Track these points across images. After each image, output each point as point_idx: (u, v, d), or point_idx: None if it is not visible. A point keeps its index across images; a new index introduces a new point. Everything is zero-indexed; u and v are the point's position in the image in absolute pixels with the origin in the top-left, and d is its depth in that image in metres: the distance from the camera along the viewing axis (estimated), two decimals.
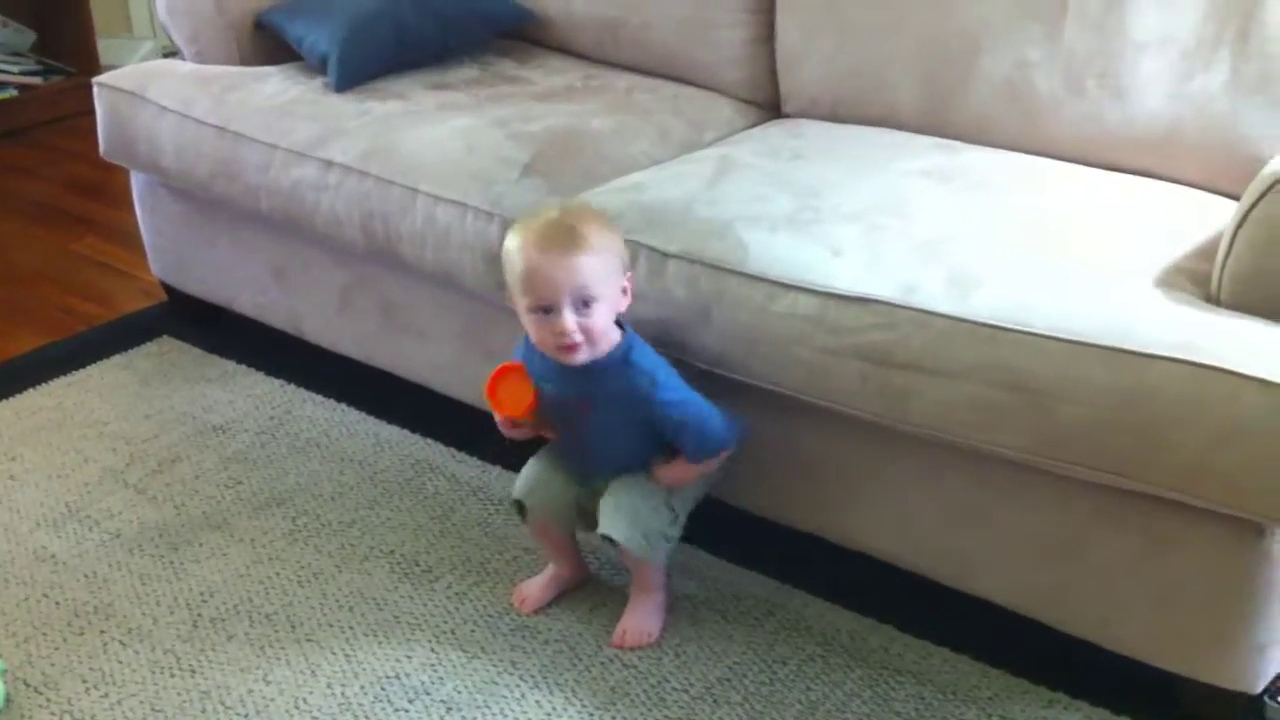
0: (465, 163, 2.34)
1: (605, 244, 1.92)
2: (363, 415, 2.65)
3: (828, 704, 1.96)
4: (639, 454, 2.04)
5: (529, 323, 1.93)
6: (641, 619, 2.09)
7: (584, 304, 1.89)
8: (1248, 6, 2.15)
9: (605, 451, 2.04)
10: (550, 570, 2.18)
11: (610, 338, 1.94)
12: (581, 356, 1.92)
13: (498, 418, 2.05)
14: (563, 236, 1.89)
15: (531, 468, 2.11)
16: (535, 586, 2.16)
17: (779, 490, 2.15)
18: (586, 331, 1.90)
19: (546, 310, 1.89)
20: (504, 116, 2.49)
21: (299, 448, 2.56)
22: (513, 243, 1.93)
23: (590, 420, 2.01)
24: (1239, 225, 1.80)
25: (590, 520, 2.07)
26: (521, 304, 1.93)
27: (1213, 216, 2.06)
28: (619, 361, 1.95)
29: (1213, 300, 1.84)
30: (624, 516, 2.01)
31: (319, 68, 2.69)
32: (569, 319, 1.88)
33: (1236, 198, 1.93)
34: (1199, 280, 1.89)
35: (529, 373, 1.98)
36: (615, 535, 2.00)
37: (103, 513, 2.38)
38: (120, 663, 2.05)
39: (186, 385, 2.77)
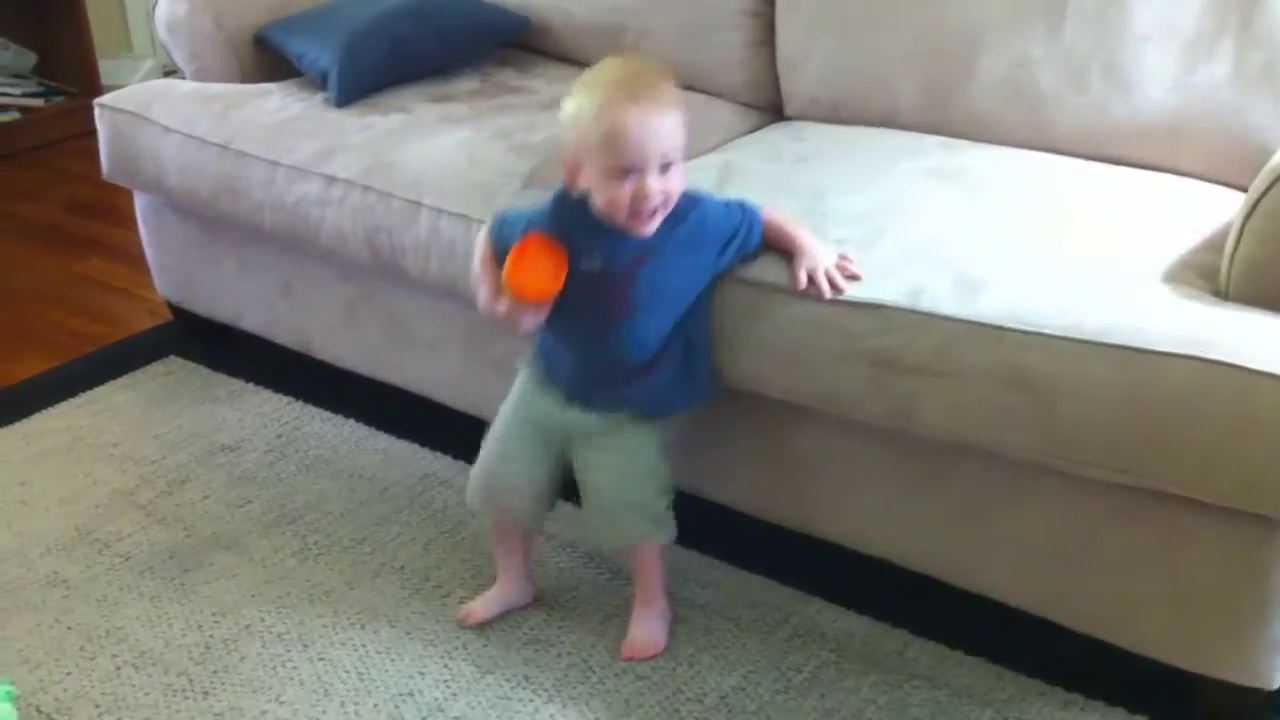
0: (468, 174, 2.34)
1: (679, 100, 1.81)
2: (371, 430, 2.64)
3: (843, 711, 1.95)
4: (666, 329, 1.92)
5: (602, 186, 1.80)
6: (647, 630, 2.07)
7: (664, 167, 1.79)
8: None
9: (635, 334, 1.90)
10: (496, 589, 2.14)
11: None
12: (655, 224, 1.83)
13: (507, 310, 1.90)
14: (650, 93, 1.77)
15: (496, 455, 2.00)
16: (480, 604, 2.13)
17: (789, 496, 2.14)
18: (666, 196, 1.81)
19: (628, 172, 1.78)
20: (506, 127, 2.48)
21: (308, 465, 2.55)
22: (589, 100, 1.79)
23: (630, 294, 1.88)
24: (1246, 217, 1.79)
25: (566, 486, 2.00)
26: (597, 166, 1.79)
27: (1219, 209, 2.05)
28: (687, 207, 1.87)
29: (1221, 294, 1.83)
30: (606, 520, 1.99)
31: (319, 83, 2.69)
32: (654, 182, 1.78)
33: (1243, 189, 1.91)
34: (1207, 274, 1.87)
35: (558, 246, 1.86)
36: (607, 544, 1.99)
37: (113, 535, 2.37)
38: (133, 686, 2.04)
39: (194, 405, 2.77)
